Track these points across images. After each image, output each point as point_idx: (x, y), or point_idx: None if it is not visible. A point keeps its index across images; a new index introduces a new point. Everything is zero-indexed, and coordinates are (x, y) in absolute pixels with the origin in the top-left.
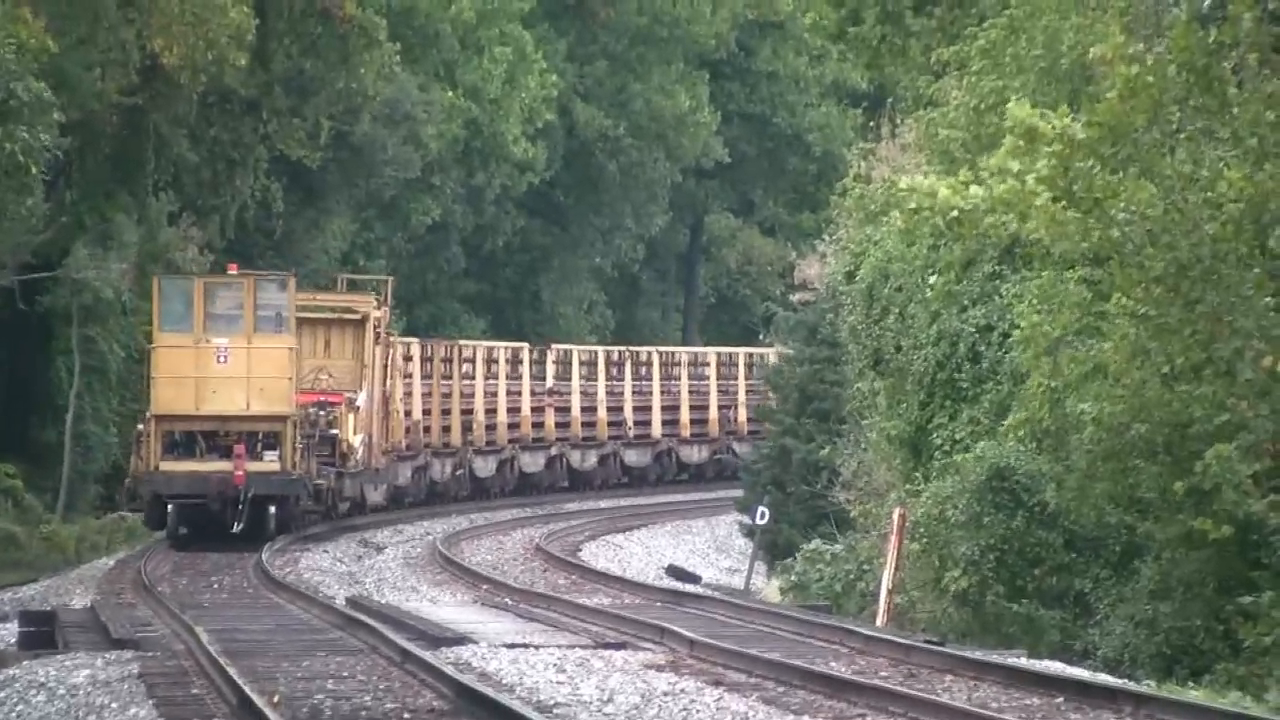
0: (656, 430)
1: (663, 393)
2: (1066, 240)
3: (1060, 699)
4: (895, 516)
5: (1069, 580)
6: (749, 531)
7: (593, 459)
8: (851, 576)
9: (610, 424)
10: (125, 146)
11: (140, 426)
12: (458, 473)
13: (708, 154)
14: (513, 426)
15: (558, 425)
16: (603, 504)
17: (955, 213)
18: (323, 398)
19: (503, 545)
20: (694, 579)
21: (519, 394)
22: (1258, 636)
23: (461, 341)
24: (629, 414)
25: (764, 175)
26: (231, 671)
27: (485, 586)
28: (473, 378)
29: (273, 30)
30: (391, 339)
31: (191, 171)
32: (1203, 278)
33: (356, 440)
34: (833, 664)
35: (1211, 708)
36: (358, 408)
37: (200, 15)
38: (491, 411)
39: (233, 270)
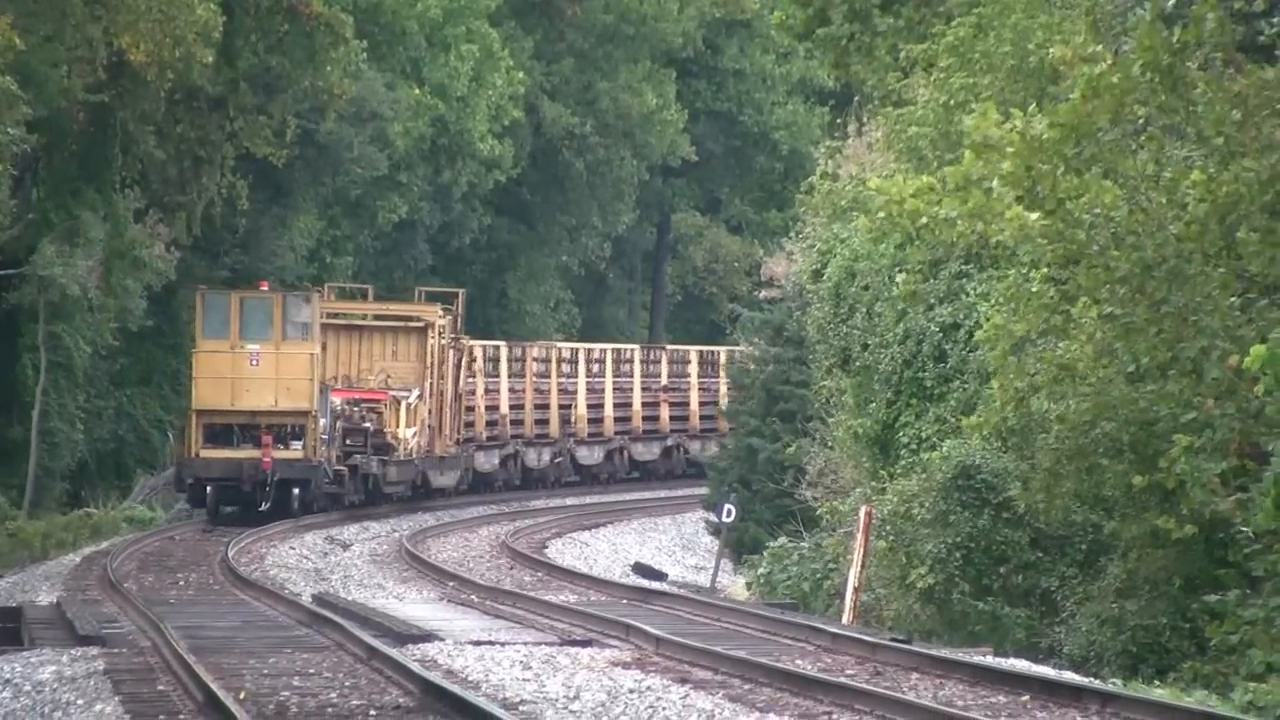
0: None
1: None
2: (1032, 244)
3: (1026, 697)
4: (862, 514)
5: (1035, 578)
6: (715, 529)
7: (713, 448)
8: (818, 574)
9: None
10: (92, 143)
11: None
12: (557, 460)
13: (674, 152)
14: (622, 420)
15: (673, 419)
16: (569, 501)
17: (924, 220)
18: (359, 395)
19: (469, 542)
20: (660, 576)
21: (629, 390)
22: (1224, 635)
23: (560, 343)
24: None
25: (731, 173)
26: (198, 668)
27: (451, 584)
28: (574, 376)
29: (239, 27)
30: (462, 342)
31: (158, 169)
32: (1168, 278)
33: (408, 433)
34: (799, 661)
35: (1177, 706)
36: (409, 404)
37: (167, 12)
38: (596, 406)
39: (263, 287)
